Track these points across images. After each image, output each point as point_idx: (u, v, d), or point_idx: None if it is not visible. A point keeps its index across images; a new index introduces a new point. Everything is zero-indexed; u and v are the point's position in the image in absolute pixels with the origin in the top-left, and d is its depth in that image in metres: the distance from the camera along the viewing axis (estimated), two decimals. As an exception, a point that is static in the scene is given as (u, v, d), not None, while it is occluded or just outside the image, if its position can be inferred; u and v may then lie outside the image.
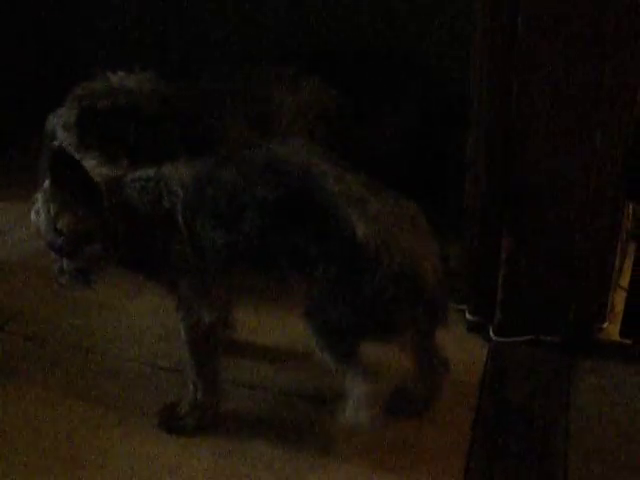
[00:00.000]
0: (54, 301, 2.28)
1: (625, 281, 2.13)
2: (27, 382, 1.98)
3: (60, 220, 1.65)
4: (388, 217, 1.54)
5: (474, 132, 1.89)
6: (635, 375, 1.95)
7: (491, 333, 2.05)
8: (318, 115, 2.51)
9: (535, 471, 1.70)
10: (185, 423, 1.80)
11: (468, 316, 2.08)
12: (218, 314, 1.73)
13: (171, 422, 1.81)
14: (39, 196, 1.68)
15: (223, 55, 3.00)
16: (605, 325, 2.06)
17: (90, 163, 1.70)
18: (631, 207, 2.10)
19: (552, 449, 1.74)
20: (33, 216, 1.70)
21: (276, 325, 2.11)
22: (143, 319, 2.20)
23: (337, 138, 2.46)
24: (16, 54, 3.05)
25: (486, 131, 1.87)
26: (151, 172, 1.70)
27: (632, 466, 1.70)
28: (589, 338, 2.04)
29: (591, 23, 1.69)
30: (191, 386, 1.79)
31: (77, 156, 1.70)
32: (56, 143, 2.38)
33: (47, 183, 1.66)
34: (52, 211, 1.65)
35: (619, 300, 2.09)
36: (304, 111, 2.50)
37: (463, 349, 2.03)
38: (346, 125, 2.53)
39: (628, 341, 2.02)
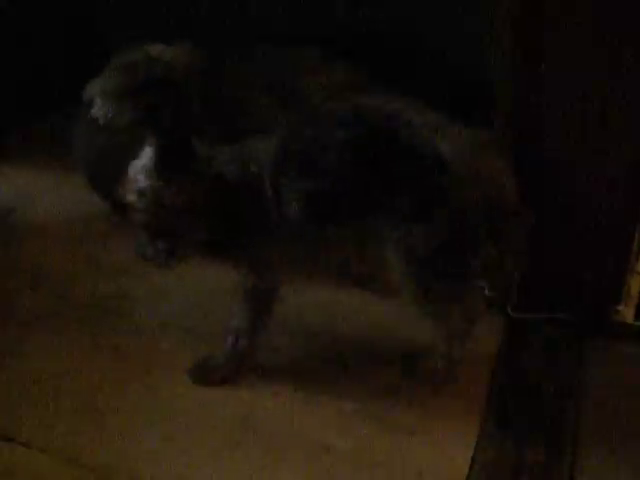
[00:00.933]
0: (85, 264, 2.36)
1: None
2: (59, 337, 2.05)
3: (164, 193, 1.68)
4: (468, 143, 1.62)
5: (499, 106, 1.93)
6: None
7: (509, 309, 2.10)
8: (346, 97, 2.55)
9: (545, 439, 1.75)
10: (216, 375, 1.87)
11: (487, 292, 2.12)
12: (282, 278, 1.81)
13: (202, 373, 1.88)
14: (137, 169, 1.73)
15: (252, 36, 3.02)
16: (621, 307, 2.10)
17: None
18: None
19: (563, 419, 1.80)
20: (126, 191, 1.73)
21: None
22: (168, 283, 2.25)
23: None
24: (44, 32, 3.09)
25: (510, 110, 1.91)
26: (239, 144, 1.79)
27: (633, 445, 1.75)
28: (604, 319, 2.07)
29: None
30: (231, 338, 1.85)
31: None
32: (93, 111, 2.45)
33: (150, 154, 1.70)
34: (156, 184, 1.68)
35: (636, 284, 2.12)
36: (336, 91, 2.54)
37: (481, 324, 2.07)
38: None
39: (642, 324, 2.06)
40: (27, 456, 1.70)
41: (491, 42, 1.97)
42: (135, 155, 2.32)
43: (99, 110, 2.42)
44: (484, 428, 1.77)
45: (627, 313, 2.10)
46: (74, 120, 2.52)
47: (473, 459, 1.70)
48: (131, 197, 1.71)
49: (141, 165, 1.71)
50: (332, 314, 2.12)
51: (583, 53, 1.81)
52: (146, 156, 1.70)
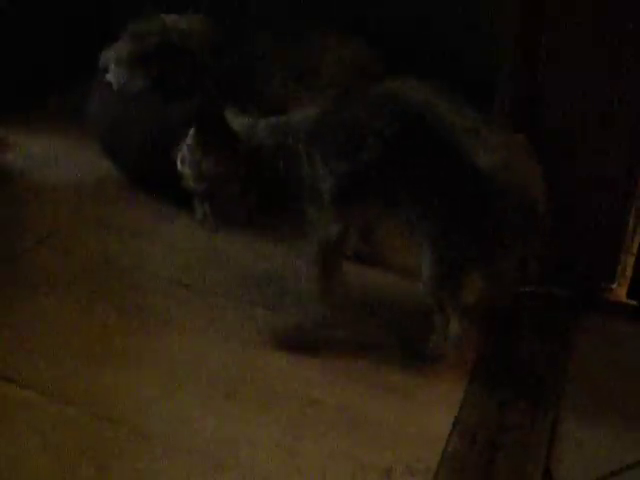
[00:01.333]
0: (94, 223, 2.42)
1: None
2: (65, 291, 2.11)
3: (204, 164, 1.83)
4: (503, 148, 1.66)
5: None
6: (636, 334, 2.02)
7: (502, 282, 2.13)
8: (359, 73, 2.60)
9: (527, 403, 1.79)
10: (302, 342, 1.95)
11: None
12: (341, 233, 1.87)
13: (290, 340, 1.95)
14: (184, 146, 1.87)
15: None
16: (614, 286, 2.13)
17: (229, 114, 1.87)
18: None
19: (547, 386, 1.84)
20: (179, 164, 1.89)
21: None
22: (174, 242, 2.32)
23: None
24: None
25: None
26: (279, 117, 1.87)
27: (621, 413, 1.79)
28: (597, 296, 2.11)
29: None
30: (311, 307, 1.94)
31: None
32: (108, 77, 2.52)
33: (192, 132, 1.84)
34: (196, 157, 1.84)
35: (631, 264, 2.16)
36: (345, 68, 2.58)
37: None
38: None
39: (634, 302, 2.08)
40: (24, 396, 1.76)
41: (492, 43, 2.03)
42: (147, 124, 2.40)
43: (113, 76, 2.51)
44: (469, 391, 1.81)
45: (620, 292, 2.13)
46: (89, 89, 2.58)
47: (456, 419, 1.74)
48: (180, 168, 1.88)
49: (187, 141, 1.86)
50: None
51: (583, 53, 1.86)
52: (190, 133, 1.85)
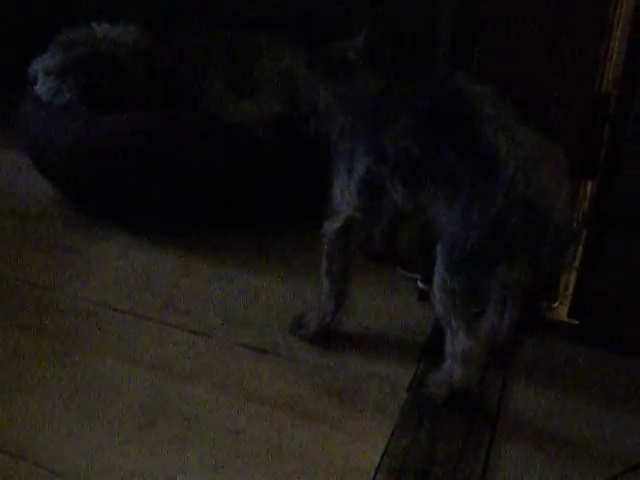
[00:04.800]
0: (19, 239, 2.32)
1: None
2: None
3: None
4: (532, 149, 1.59)
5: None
6: (574, 354, 1.97)
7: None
8: (301, 80, 2.52)
9: (460, 433, 1.71)
10: (308, 330, 1.93)
11: (420, 285, 2.10)
12: (360, 216, 1.81)
13: (297, 329, 1.95)
14: None
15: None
16: (556, 305, 2.07)
17: None
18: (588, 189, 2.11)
19: (482, 415, 1.76)
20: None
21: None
22: (105, 263, 2.24)
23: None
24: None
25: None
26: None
27: (557, 440, 1.73)
28: (538, 316, 2.05)
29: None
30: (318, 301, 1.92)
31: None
32: (36, 88, 2.43)
33: None
34: None
35: (572, 281, 2.10)
36: (287, 78, 2.52)
37: (412, 316, 2.06)
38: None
39: (575, 322, 2.02)
40: None
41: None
42: (77, 135, 2.30)
43: (42, 87, 2.41)
44: (399, 420, 1.73)
45: (562, 310, 2.07)
46: (20, 99, 2.49)
47: (385, 451, 1.66)
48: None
49: None
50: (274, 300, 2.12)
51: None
52: None
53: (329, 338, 1.93)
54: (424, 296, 2.08)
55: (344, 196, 1.79)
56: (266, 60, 2.53)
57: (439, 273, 1.65)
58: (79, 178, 2.36)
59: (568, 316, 2.05)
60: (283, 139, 2.29)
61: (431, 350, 1.93)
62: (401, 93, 1.70)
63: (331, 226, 1.83)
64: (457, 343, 1.69)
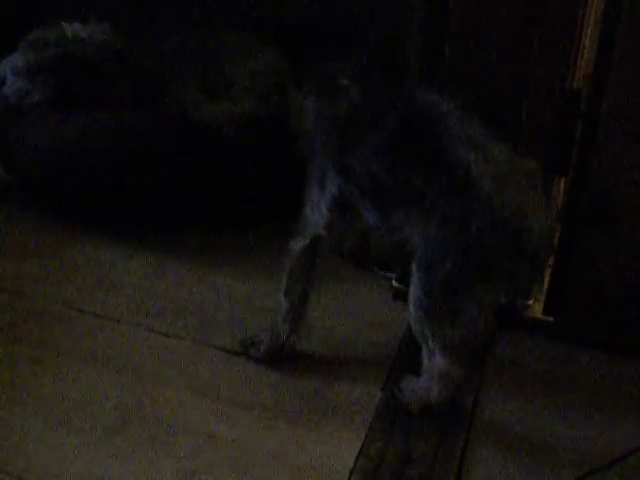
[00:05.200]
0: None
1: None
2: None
3: None
4: (505, 166, 1.55)
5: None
6: (549, 352, 1.96)
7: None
8: (273, 84, 2.51)
9: (435, 433, 1.70)
10: (259, 350, 1.86)
11: (395, 283, 2.09)
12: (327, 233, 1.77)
13: (248, 348, 1.88)
14: None
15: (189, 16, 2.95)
16: (531, 302, 2.07)
17: None
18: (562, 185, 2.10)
19: (456, 414, 1.75)
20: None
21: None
22: (75, 266, 2.20)
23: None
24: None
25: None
26: None
27: (530, 440, 1.72)
28: (513, 313, 2.04)
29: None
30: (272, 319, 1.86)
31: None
32: (5, 88, 2.40)
33: None
34: None
35: (547, 278, 2.09)
36: (259, 79, 2.50)
37: (387, 315, 2.05)
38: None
39: (550, 319, 2.02)
40: None
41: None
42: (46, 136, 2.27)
43: (10, 88, 2.38)
44: (373, 422, 1.72)
45: (538, 308, 2.07)
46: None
47: (359, 452, 1.65)
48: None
49: None
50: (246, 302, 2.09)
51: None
52: None
53: (280, 359, 1.87)
54: (399, 295, 2.07)
55: (315, 212, 1.74)
56: (239, 59, 2.50)
57: (415, 291, 1.62)
58: (48, 179, 2.33)
59: (543, 313, 2.04)
60: (256, 138, 2.27)
61: (406, 350, 1.91)
62: (370, 112, 1.66)
63: (297, 243, 1.78)
64: (434, 362, 1.67)
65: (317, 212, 1.74)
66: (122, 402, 1.75)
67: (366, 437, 1.69)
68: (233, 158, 2.28)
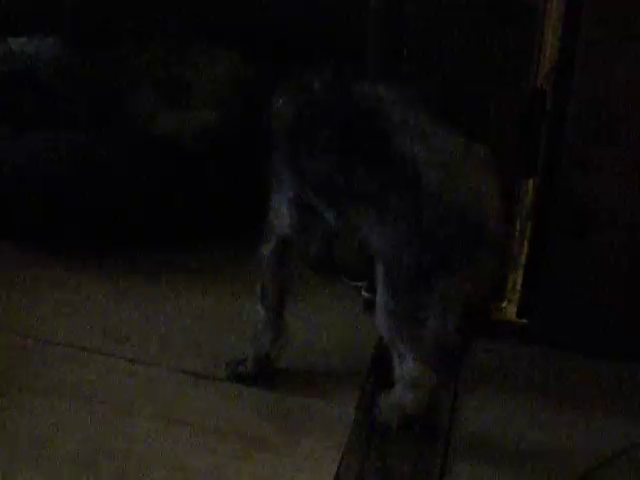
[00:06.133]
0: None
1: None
2: None
3: None
4: (453, 153, 1.51)
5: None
6: (524, 356, 1.95)
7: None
8: (235, 90, 2.45)
9: (413, 450, 1.67)
10: (246, 366, 1.83)
11: (364, 294, 2.05)
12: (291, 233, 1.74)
13: (235, 368, 1.84)
14: None
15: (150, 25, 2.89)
16: (504, 305, 2.04)
17: None
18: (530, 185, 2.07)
19: (434, 428, 1.72)
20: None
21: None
22: (37, 294, 2.13)
23: (255, 113, 2.42)
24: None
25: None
26: None
27: (511, 451, 1.70)
28: (486, 317, 2.01)
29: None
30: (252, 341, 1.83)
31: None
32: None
33: None
34: None
35: (520, 279, 2.06)
36: (221, 85, 2.44)
37: (357, 326, 2.01)
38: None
39: (524, 321, 1.99)
40: None
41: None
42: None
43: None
44: (350, 441, 1.68)
45: (511, 310, 2.04)
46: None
47: (336, 474, 1.61)
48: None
49: None
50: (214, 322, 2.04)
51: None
52: None
53: (271, 371, 1.85)
54: (369, 305, 2.03)
55: (277, 215, 1.72)
56: (198, 70, 2.44)
57: (380, 294, 1.59)
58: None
59: (517, 316, 2.02)
60: (217, 150, 2.21)
61: (379, 362, 1.88)
62: (317, 111, 1.63)
63: (266, 247, 1.76)
64: (406, 368, 1.64)
65: (280, 215, 1.72)
66: (90, 435, 1.70)
67: (342, 458, 1.66)
68: (195, 170, 2.22)
